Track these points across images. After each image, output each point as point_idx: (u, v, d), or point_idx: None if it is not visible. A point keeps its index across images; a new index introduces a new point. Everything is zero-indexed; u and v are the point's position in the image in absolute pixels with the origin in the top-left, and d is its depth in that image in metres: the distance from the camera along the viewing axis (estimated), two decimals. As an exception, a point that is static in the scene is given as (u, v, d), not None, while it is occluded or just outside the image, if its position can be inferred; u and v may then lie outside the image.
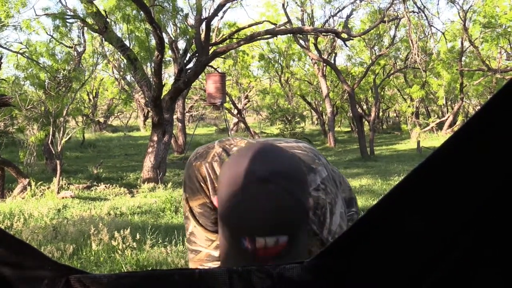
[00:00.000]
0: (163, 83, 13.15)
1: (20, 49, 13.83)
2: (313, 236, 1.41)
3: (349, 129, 32.92)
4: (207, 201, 1.47)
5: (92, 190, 10.74)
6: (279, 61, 26.95)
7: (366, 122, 24.57)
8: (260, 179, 1.15)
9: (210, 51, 13.36)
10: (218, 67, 23.02)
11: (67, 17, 12.73)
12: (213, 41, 15.20)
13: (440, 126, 25.11)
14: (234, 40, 14.90)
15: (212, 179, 1.45)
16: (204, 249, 1.50)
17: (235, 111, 25.58)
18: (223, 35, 17.18)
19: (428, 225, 0.75)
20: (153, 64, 12.39)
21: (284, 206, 1.13)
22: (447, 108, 30.49)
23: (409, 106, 22.33)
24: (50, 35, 13.81)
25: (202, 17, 13.78)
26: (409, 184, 0.73)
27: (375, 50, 24.01)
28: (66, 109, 11.37)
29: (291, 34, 18.89)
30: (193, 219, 1.50)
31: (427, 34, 18.71)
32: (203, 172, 1.47)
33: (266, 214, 1.12)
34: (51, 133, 11.01)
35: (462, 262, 0.76)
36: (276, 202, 1.13)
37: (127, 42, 12.72)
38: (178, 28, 15.39)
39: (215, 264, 1.49)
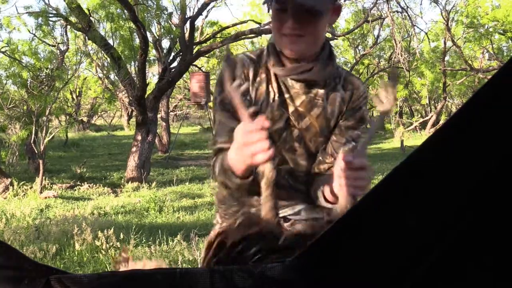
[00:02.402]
0: (147, 82, 13.09)
1: (2, 47, 13.67)
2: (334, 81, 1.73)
3: (333, 128, 32.94)
4: (242, 82, 1.61)
5: (75, 190, 10.66)
6: (264, 60, 26.90)
7: (350, 121, 24.55)
8: None
9: (194, 50, 13.33)
10: (202, 66, 22.98)
11: (50, 15, 12.62)
12: (197, 40, 15.17)
13: (423, 125, 25.27)
14: (218, 39, 14.87)
15: (250, 62, 1.70)
16: (225, 145, 1.61)
17: (220, 110, 25.46)
18: (207, 34, 17.15)
19: (411, 222, 0.75)
20: (137, 63, 12.33)
21: None
22: (430, 108, 30.71)
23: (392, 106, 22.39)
24: (32, 33, 13.69)
25: (186, 16, 13.74)
26: (390, 182, 0.74)
27: (359, 50, 24.11)
28: (49, 108, 11.27)
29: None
30: (221, 108, 1.67)
31: (410, 34, 18.84)
32: (240, 59, 1.71)
33: None
34: (33, 132, 10.91)
35: (446, 260, 0.76)
36: None
37: (110, 41, 12.65)
38: (162, 27, 15.34)
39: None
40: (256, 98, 1.67)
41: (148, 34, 13.36)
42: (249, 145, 1.27)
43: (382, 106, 1.32)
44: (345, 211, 1.25)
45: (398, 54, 15.13)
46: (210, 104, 21.36)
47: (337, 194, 1.38)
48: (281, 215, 1.67)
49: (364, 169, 1.35)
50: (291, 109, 1.69)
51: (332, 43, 18.05)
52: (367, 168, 1.36)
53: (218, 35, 15.71)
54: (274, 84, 1.68)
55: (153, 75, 22.78)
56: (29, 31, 13.95)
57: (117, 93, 13.82)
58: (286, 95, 1.68)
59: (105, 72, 14.42)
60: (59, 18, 12.84)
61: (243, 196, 1.76)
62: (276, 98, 1.67)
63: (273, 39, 1.70)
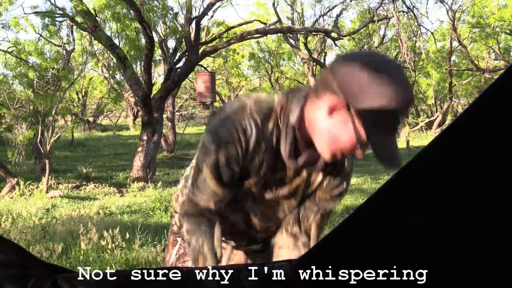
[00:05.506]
0: (153, 82, 13.12)
1: (9, 47, 13.72)
2: None
3: (339, 128, 32.80)
4: (238, 153, 1.56)
5: (81, 190, 10.69)
6: (269, 60, 26.95)
7: (355, 121, 24.52)
8: (398, 65, 1.43)
9: (200, 50, 13.34)
10: (208, 66, 23.00)
11: (56, 15, 12.66)
12: (203, 40, 15.18)
13: (429, 125, 25.22)
14: (224, 39, 14.88)
15: (254, 129, 1.55)
16: (203, 202, 1.62)
17: (225, 110, 25.48)
18: (212, 34, 17.16)
19: (417, 222, 0.75)
20: (142, 63, 12.35)
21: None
22: (436, 108, 30.65)
23: (398, 106, 22.33)
24: (38, 33, 13.74)
25: (192, 16, 13.76)
26: (396, 182, 0.73)
27: (365, 50, 24.04)
28: (55, 108, 11.30)
29: (281, 34, 18.91)
30: (210, 171, 1.59)
31: (417, 34, 18.78)
32: (244, 124, 1.54)
33: (410, 94, 1.39)
34: (40, 132, 10.94)
35: (449, 260, 0.76)
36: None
37: (116, 41, 12.68)
38: (168, 27, 15.36)
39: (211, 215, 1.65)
40: (249, 152, 1.58)
41: (154, 34, 13.39)
42: None
43: None
44: None
45: (404, 54, 15.08)
46: (216, 104, 21.40)
47: None
48: None
49: None
50: (276, 176, 1.65)
51: (338, 42, 18.04)
52: None
53: (224, 35, 15.72)
54: (271, 151, 1.60)
55: (158, 75, 22.86)
56: (35, 31, 13.99)
57: (123, 93, 13.86)
58: (278, 163, 1.62)
59: (111, 72, 14.46)
60: (65, 18, 12.88)
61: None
62: (267, 162, 1.61)
63: (293, 119, 1.53)
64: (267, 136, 1.56)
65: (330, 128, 1.43)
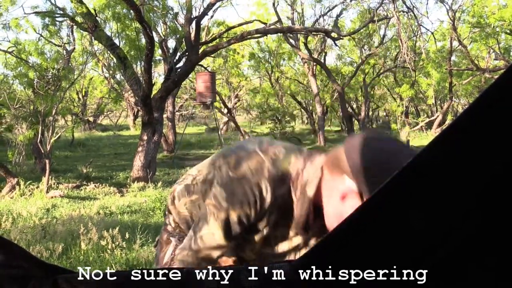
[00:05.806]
0: (153, 82, 13.12)
1: (9, 48, 13.73)
2: None
3: (339, 128, 32.96)
4: (251, 213, 1.53)
5: (81, 190, 10.69)
6: (269, 60, 26.97)
7: (356, 121, 24.66)
8: (414, 153, 1.34)
9: (200, 50, 13.35)
10: (208, 66, 23.01)
11: (56, 15, 12.67)
12: (203, 40, 15.19)
13: (429, 125, 25.24)
14: (224, 39, 14.88)
15: (270, 192, 1.51)
16: (205, 252, 1.60)
17: (225, 110, 25.56)
18: (213, 34, 17.16)
19: (417, 222, 0.75)
20: (143, 63, 12.35)
21: None
22: (437, 108, 30.66)
23: (398, 106, 22.44)
24: (39, 33, 13.75)
25: (192, 16, 13.76)
26: (396, 182, 0.73)
27: (365, 50, 24.07)
28: (55, 108, 11.31)
29: (281, 33, 18.92)
30: (220, 226, 1.56)
31: (417, 34, 18.80)
32: (260, 187, 1.51)
33: None
34: (40, 132, 10.95)
35: (449, 260, 0.76)
36: None
37: (116, 41, 12.68)
38: (168, 27, 15.36)
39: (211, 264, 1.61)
40: (261, 213, 1.57)
41: (154, 34, 13.40)
42: None
43: None
44: None
45: (404, 54, 15.09)
46: (216, 104, 21.40)
47: None
48: None
49: None
50: (279, 233, 1.65)
51: (338, 42, 18.04)
52: None
53: (224, 35, 15.72)
54: (280, 213, 1.60)
55: (159, 75, 22.88)
56: (35, 31, 14.01)
57: (123, 93, 13.87)
58: (283, 221, 1.62)
59: (111, 72, 14.46)
60: (65, 18, 12.89)
61: None
62: (274, 222, 1.61)
63: (311, 192, 1.52)
64: (279, 199, 1.54)
65: (342, 213, 1.40)
